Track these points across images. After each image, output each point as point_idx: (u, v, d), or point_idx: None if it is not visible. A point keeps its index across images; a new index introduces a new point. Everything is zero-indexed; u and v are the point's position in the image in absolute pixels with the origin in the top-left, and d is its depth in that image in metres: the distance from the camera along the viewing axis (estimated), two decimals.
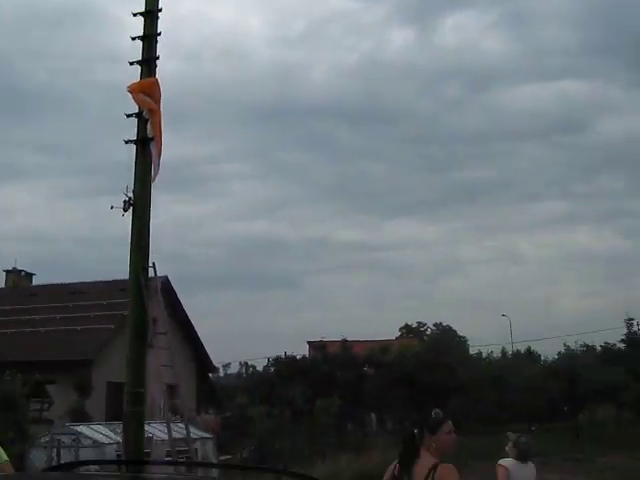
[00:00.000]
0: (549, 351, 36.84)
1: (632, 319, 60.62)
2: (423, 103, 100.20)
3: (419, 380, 31.72)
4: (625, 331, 59.71)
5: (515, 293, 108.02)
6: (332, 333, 34.04)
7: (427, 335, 65.69)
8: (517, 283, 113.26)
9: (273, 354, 30.94)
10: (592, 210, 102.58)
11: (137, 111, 10.50)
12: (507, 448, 7.64)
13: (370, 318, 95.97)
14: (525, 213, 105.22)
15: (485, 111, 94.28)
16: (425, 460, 4.65)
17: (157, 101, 10.35)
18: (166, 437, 11.78)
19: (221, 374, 65.43)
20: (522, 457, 7.48)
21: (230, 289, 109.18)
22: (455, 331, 61.41)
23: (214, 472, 8.63)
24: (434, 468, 4.56)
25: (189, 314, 31.91)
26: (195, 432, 18.82)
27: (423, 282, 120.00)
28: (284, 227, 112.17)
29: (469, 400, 35.16)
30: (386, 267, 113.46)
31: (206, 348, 34.21)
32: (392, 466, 4.85)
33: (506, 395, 35.76)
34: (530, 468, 7.54)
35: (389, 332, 74.37)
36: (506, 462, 7.49)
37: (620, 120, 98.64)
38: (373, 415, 34.40)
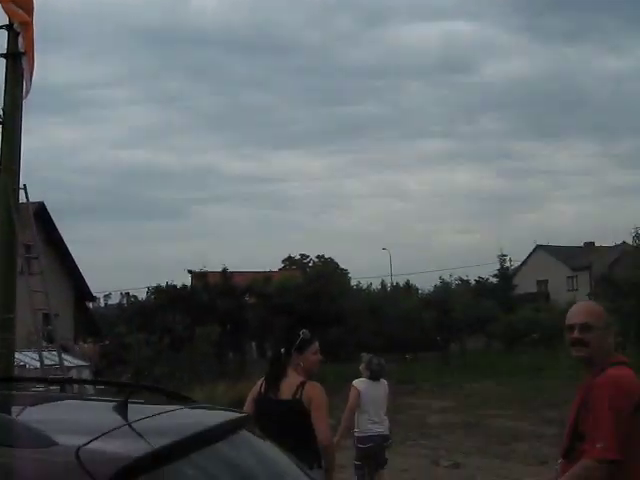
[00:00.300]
0: (426, 285, 38.23)
1: (505, 255, 63.49)
2: (313, 35, 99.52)
3: (299, 310, 32.20)
4: (498, 266, 62.79)
5: (397, 228, 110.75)
6: (216, 264, 33.95)
7: (309, 267, 66.72)
8: (399, 218, 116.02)
9: (156, 284, 30.66)
10: (473, 150, 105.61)
11: (7, 23, 9.92)
12: (360, 368, 8.14)
13: (254, 249, 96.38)
14: (410, 150, 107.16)
15: (375, 47, 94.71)
16: (292, 379, 4.75)
17: (30, 13, 9.78)
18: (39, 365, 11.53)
19: (102, 304, 64.47)
20: (374, 376, 8.03)
21: (113, 219, 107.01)
22: (337, 263, 62.67)
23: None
24: (302, 385, 4.68)
25: (67, 243, 31.18)
26: (71, 360, 18.53)
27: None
28: (169, 156, 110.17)
29: (348, 330, 36.10)
30: (272, 199, 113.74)
31: (86, 278, 33.62)
32: (258, 384, 4.93)
33: (383, 325, 36.88)
34: (382, 386, 8.16)
35: (272, 264, 74.90)
36: (358, 382, 8.02)
37: (505, 63, 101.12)
38: (253, 344, 34.80)
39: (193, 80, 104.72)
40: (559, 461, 3.43)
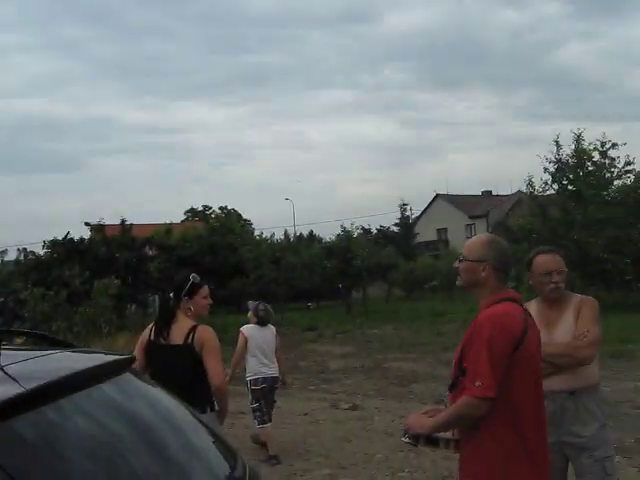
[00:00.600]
0: (329, 235, 38.45)
1: (406, 204, 64.83)
2: None
3: (202, 261, 31.95)
4: (399, 215, 63.94)
5: (300, 179, 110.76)
6: (117, 216, 33.12)
7: (212, 218, 66.13)
8: (303, 169, 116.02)
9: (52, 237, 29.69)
10: (377, 100, 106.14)
11: None
12: (248, 315, 8.29)
13: (156, 202, 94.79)
14: (313, 100, 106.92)
15: None
16: (183, 323, 4.67)
17: None
18: None
19: None
20: (261, 322, 8.32)
21: (8, 171, 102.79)
22: (240, 214, 62.37)
23: None
24: (193, 329, 4.61)
25: None
26: None
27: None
28: (67, 106, 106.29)
29: (250, 280, 36.11)
30: (174, 150, 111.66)
31: None
32: (148, 329, 4.84)
33: (285, 274, 37.07)
34: (270, 330, 8.40)
35: (175, 216, 73.82)
36: (245, 328, 8.32)
37: (408, 14, 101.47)
38: (156, 296, 34.37)
39: (91, 27, 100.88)
40: (446, 393, 3.50)
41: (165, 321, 4.75)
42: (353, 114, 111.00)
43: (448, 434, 3.41)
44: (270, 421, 8.18)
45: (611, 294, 26.46)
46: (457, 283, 3.60)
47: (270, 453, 7.91)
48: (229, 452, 3.05)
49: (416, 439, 3.45)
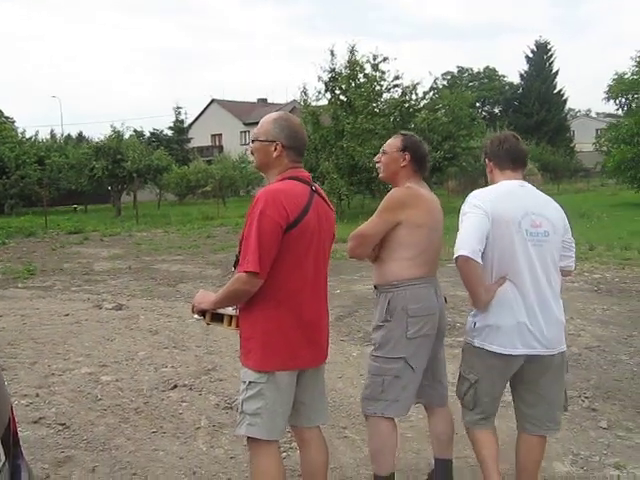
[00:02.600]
0: (101, 137, 36.57)
1: (180, 108, 63.65)
2: None
3: None
4: (173, 119, 62.65)
5: (70, 76, 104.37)
6: None
7: None
8: (71, 66, 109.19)
9: None
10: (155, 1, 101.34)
11: None
12: None
13: None
14: None
15: None
16: None
17: None
18: None
19: None
20: None
21: None
22: (1, 111, 57.82)
23: None
24: None
25: None
26: None
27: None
28: None
29: (11, 180, 33.93)
30: None
31: None
32: None
33: (51, 175, 35.20)
34: None
35: None
36: None
37: None
38: None
39: None
40: (232, 270, 3.39)
41: None
42: (128, 15, 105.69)
43: (232, 311, 3.36)
44: None
45: (376, 201, 27.76)
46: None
47: None
48: None
49: (203, 314, 3.44)
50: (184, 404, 5.87)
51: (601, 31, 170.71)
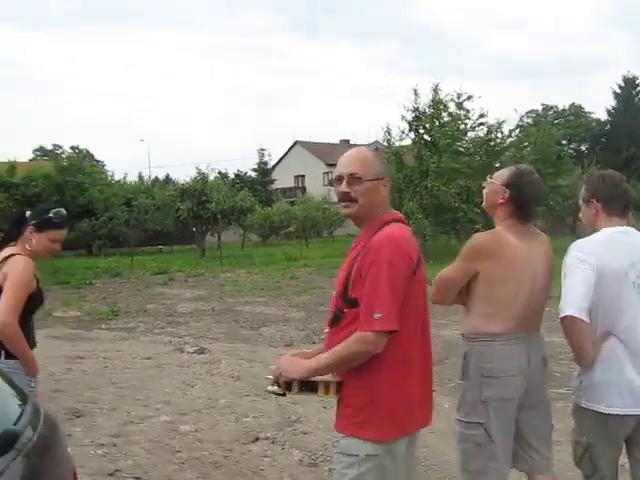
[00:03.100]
0: (186, 179, 37.14)
1: (264, 149, 64.48)
2: None
3: (48, 201, 30.30)
4: (257, 161, 63.48)
5: (157, 122, 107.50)
6: None
7: (63, 158, 63.11)
8: (157, 110, 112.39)
9: None
10: (234, 43, 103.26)
11: None
12: None
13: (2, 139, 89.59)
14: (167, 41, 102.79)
15: None
16: (7, 251, 3.86)
17: None
18: None
19: None
20: None
21: None
22: (92, 154, 59.80)
23: None
24: (8, 258, 3.82)
25: None
26: None
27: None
28: None
29: (100, 221, 34.71)
30: (18, 84, 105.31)
31: None
32: None
33: (138, 217, 35.85)
34: None
35: (22, 154, 70.00)
36: None
37: None
38: None
39: None
40: (325, 330, 2.99)
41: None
42: (209, 55, 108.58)
43: (328, 376, 2.85)
44: None
45: (461, 242, 27.14)
46: (345, 212, 2.95)
47: None
48: (19, 397, 2.76)
49: (288, 386, 2.88)
50: (266, 459, 5.53)
51: None
